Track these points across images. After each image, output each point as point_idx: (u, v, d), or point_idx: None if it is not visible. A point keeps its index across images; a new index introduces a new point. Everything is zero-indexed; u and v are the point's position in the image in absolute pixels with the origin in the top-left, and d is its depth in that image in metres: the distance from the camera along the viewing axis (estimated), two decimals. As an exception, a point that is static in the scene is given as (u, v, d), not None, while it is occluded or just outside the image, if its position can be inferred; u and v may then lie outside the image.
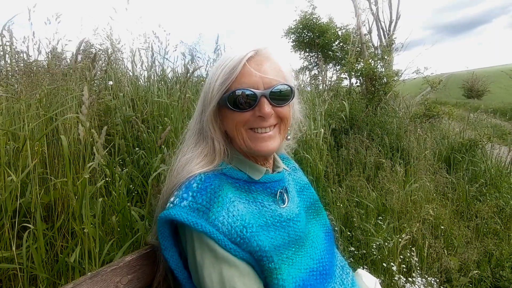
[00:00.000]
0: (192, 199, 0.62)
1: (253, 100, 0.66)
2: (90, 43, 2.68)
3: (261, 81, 0.66)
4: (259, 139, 0.69)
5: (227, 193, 0.64)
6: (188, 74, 1.97)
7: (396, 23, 6.55)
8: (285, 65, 0.73)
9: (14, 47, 1.96)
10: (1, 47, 1.83)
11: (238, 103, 0.66)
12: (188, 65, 2.54)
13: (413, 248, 1.90)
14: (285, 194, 0.76)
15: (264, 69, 0.67)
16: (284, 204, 0.74)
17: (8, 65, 1.84)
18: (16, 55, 1.99)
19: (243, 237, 0.59)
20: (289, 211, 0.73)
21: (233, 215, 0.61)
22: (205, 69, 2.83)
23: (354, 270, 0.88)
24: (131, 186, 1.56)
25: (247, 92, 0.65)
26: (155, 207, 0.74)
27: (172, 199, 0.64)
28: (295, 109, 0.79)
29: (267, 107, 0.66)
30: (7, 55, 1.87)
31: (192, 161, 0.69)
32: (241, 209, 0.63)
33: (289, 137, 0.81)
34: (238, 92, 0.66)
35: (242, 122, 0.68)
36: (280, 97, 0.68)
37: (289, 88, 0.69)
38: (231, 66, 0.66)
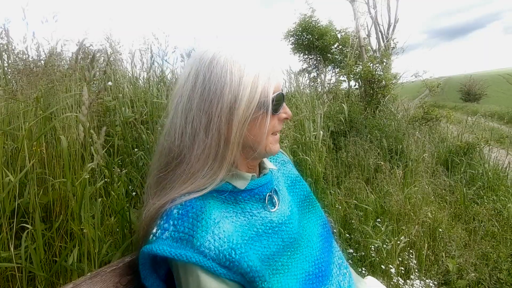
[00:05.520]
0: (174, 228, 0.57)
1: (281, 102, 0.65)
2: (89, 43, 2.68)
3: (280, 83, 0.66)
4: (276, 141, 0.69)
5: (210, 214, 0.60)
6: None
7: (394, 26, 6.59)
8: None
9: (12, 46, 1.95)
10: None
11: (276, 107, 0.64)
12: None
13: (411, 251, 1.90)
14: (274, 196, 0.72)
15: (279, 71, 0.68)
16: (274, 207, 0.70)
17: (6, 64, 1.84)
18: (14, 55, 1.99)
19: (232, 260, 0.55)
20: (280, 214, 0.70)
21: (219, 238, 0.57)
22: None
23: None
24: (130, 187, 1.56)
25: (280, 94, 0.64)
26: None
27: (154, 231, 0.59)
28: None
29: (288, 109, 0.67)
30: (4, 54, 1.87)
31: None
32: (228, 229, 0.59)
33: None
34: (279, 95, 0.64)
35: (273, 126, 0.66)
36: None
37: None
38: (268, 70, 0.62)
